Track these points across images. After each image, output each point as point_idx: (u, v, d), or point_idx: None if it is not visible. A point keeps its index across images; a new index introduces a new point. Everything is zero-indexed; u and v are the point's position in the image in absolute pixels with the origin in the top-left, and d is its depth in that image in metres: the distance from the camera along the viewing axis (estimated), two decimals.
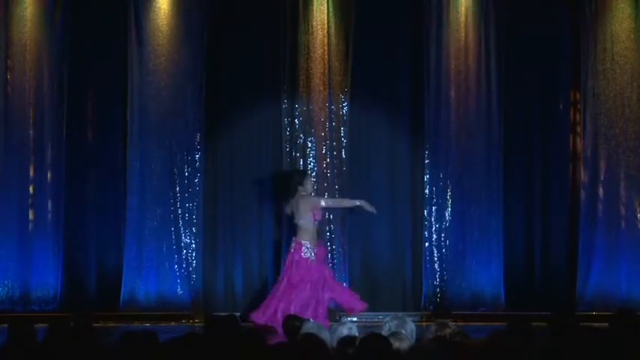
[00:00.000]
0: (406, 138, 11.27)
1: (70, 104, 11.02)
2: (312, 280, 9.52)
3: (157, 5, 11.02)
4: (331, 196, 10.73)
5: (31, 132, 10.90)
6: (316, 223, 9.74)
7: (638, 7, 10.95)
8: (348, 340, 5.24)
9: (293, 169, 10.52)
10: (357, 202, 9.98)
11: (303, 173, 10.17)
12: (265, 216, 11.15)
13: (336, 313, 10.46)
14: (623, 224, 10.82)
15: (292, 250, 9.66)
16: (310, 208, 9.67)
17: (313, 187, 10.27)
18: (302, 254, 9.58)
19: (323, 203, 9.91)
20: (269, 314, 9.39)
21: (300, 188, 9.79)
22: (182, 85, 11.01)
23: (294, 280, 9.52)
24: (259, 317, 9.38)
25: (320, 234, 10.04)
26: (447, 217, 10.95)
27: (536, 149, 11.23)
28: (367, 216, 10.16)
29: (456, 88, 10.99)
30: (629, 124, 10.88)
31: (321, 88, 10.97)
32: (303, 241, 9.62)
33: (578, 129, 11.11)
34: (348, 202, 10.21)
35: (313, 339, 4.82)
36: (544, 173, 11.21)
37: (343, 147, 10.99)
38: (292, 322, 6.19)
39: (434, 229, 10.95)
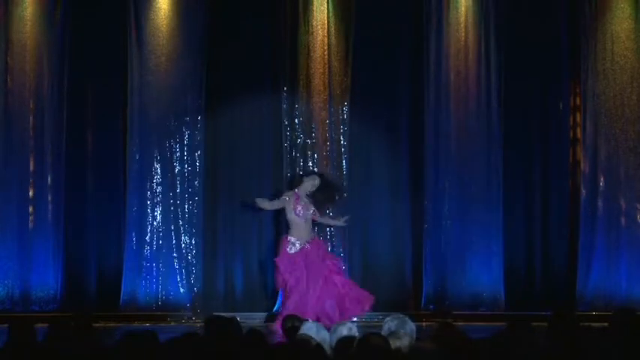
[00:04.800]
0: (406, 138, 11.27)
1: (70, 104, 11.02)
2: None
3: (157, 5, 11.02)
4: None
5: (31, 132, 10.90)
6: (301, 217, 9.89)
7: (638, 7, 10.95)
8: (347, 340, 5.24)
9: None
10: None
11: (309, 174, 10.21)
12: (265, 216, 11.14)
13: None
14: (623, 224, 10.82)
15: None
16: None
17: (306, 189, 10.12)
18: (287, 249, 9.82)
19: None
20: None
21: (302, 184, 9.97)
22: (182, 85, 11.00)
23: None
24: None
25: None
26: (447, 217, 10.95)
27: (536, 149, 11.24)
28: (367, 215, 10.18)
29: (455, 88, 10.99)
30: (629, 124, 10.88)
31: (321, 88, 10.97)
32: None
33: (578, 129, 11.13)
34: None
35: (306, 341, 4.82)
36: (544, 173, 11.22)
37: (343, 147, 10.98)
38: (291, 322, 6.18)
39: (434, 229, 10.95)
